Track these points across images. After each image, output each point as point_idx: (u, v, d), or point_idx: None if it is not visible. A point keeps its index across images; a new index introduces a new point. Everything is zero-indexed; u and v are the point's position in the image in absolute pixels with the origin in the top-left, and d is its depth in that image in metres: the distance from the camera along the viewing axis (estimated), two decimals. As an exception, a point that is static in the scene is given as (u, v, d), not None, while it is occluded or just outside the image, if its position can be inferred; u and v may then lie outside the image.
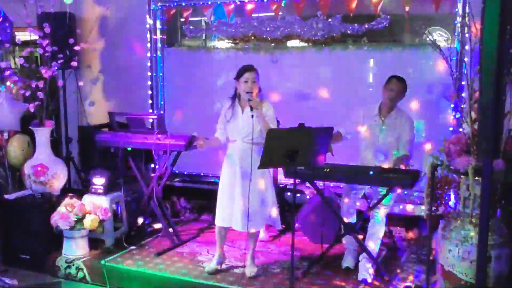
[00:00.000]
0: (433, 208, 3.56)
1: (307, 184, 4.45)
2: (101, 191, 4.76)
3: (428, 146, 3.64)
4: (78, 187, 5.79)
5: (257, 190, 3.94)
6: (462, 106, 3.57)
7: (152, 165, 5.48)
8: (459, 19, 4.59)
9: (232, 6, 5.48)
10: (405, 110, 4.32)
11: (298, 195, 5.13)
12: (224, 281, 3.99)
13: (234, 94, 4.02)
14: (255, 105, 3.77)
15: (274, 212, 4.09)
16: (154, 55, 5.88)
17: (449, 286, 3.32)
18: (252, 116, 3.76)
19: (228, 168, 4.06)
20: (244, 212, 3.88)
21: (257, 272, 4.09)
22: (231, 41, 5.63)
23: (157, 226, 5.07)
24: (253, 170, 3.76)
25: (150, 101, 5.92)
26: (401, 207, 4.87)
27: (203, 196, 5.70)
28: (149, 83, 5.89)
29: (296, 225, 4.74)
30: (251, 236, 4.12)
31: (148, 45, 5.85)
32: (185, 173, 5.92)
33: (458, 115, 4.38)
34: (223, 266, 4.23)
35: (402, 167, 3.97)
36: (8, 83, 4.96)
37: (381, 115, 4.27)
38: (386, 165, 4.10)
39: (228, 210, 4.01)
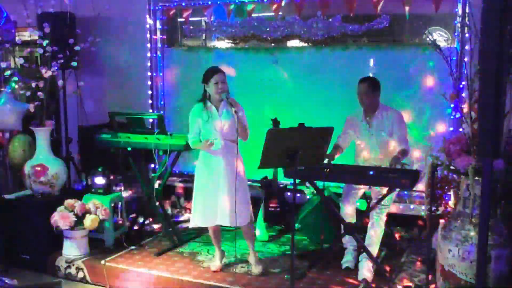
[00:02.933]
0: (433, 208, 3.56)
1: (307, 184, 4.46)
2: (101, 191, 4.77)
3: (428, 146, 3.65)
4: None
5: (241, 185, 3.97)
6: (462, 106, 3.57)
7: (152, 165, 5.48)
8: (459, 19, 4.59)
9: (232, 6, 5.48)
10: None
11: (298, 195, 5.14)
12: (224, 281, 3.99)
13: (204, 96, 4.04)
14: (234, 102, 3.88)
15: (246, 207, 4.10)
16: (154, 55, 5.88)
17: (449, 286, 3.32)
18: (236, 111, 3.82)
19: (209, 168, 4.04)
20: (232, 208, 3.90)
21: (263, 269, 4.12)
22: (231, 41, 5.63)
23: (157, 226, 5.08)
24: (234, 166, 3.87)
25: (150, 101, 5.92)
26: (401, 207, 4.87)
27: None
28: (149, 83, 5.89)
29: (297, 225, 4.75)
30: (247, 232, 4.15)
31: (148, 45, 5.85)
32: (185, 173, 5.92)
33: (458, 115, 4.38)
34: (223, 262, 4.28)
35: (399, 166, 3.97)
36: (13, 85, 4.96)
37: (366, 118, 4.26)
38: (384, 165, 4.11)
39: (213, 210, 4.00)
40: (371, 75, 4.87)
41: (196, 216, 4.10)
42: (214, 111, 4.00)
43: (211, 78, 3.93)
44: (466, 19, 4.34)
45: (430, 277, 3.65)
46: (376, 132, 4.20)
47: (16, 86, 4.95)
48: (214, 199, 4.00)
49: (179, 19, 6.04)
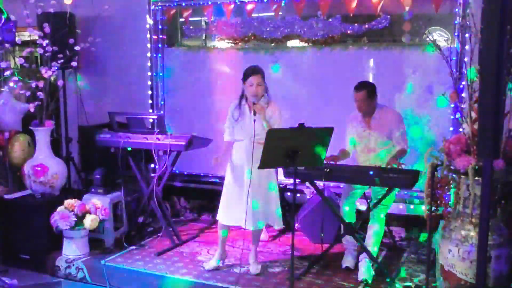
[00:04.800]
0: (433, 208, 3.56)
1: (307, 184, 4.46)
2: (101, 191, 4.77)
3: (428, 146, 3.65)
4: (78, 187, 5.79)
5: (262, 188, 3.98)
6: (462, 106, 3.57)
7: (152, 165, 5.49)
8: (459, 19, 4.59)
9: (232, 6, 5.48)
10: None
11: (298, 195, 5.14)
12: (224, 281, 3.99)
13: (242, 94, 4.06)
14: (258, 110, 3.85)
15: (277, 211, 4.12)
16: (154, 55, 5.88)
17: (449, 286, 3.32)
18: (254, 120, 3.83)
19: (234, 167, 4.08)
20: (249, 210, 3.92)
21: (261, 270, 4.13)
22: (231, 41, 5.62)
23: (157, 226, 5.09)
24: (259, 170, 3.79)
25: (150, 101, 5.92)
26: (401, 207, 4.87)
27: (203, 196, 5.71)
28: (149, 83, 5.89)
29: (297, 225, 4.74)
30: (254, 235, 4.15)
31: (148, 45, 5.84)
32: (185, 173, 5.92)
33: (458, 115, 4.38)
34: (224, 264, 4.26)
35: (395, 165, 3.97)
36: (11, 84, 4.96)
37: (365, 119, 4.26)
38: (383, 165, 4.11)
39: (233, 209, 4.03)
40: (371, 76, 4.88)
41: (221, 213, 4.13)
42: (246, 111, 4.01)
43: (247, 79, 3.94)
44: (466, 19, 4.34)
45: (430, 277, 3.64)
46: (374, 132, 4.20)
47: (15, 86, 4.95)
48: (238, 200, 4.01)
49: (179, 19, 6.04)
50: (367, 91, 4.15)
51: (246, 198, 3.91)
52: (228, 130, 4.14)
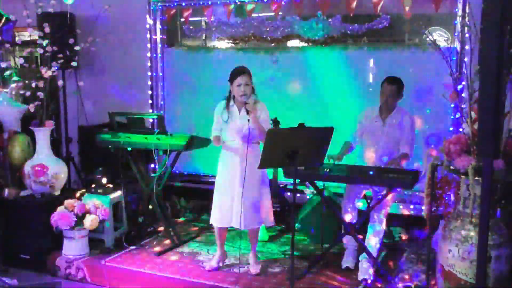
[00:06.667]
0: (433, 208, 3.56)
1: (307, 184, 4.46)
2: (101, 191, 4.77)
3: (428, 147, 3.65)
4: (78, 187, 5.79)
5: (255, 188, 3.98)
6: (462, 106, 3.57)
7: (152, 165, 5.49)
8: (459, 19, 4.59)
9: (232, 6, 5.48)
10: (407, 109, 4.33)
11: (298, 195, 5.13)
12: (224, 281, 3.99)
13: (229, 95, 4.05)
14: (250, 109, 3.83)
15: (269, 209, 4.12)
16: (154, 55, 5.88)
17: (449, 286, 3.32)
18: (248, 120, 3.82)
19: (227, 168, 4.07)
20: (244, 210, 3.92)
21: (261, 270, 4.13)
22: (231, 41, 5.63)
23: (157, 226, 5.09)
24: (252, 169, 3.81)
25: (150, 101, 5.92)
26: (401, 207, 4.87)
27: (203, 196, 5.70)
28: (149, 83, 5.89)
29: (297, 225, 4.75)
30: (252, 235, 4.15)
31: (148, 45, 5.85)
32: (185, 173, 5.92)
33: (458, 115, 4.38)
34: (224, 264, 4.27)
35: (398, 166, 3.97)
36: (13, 85, 4.95)
37: (381, 115, 4.27)
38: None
39: (227, 210, 4.02)
40: (371, 76, 4.88)
41: (214, 215, 4.13)
42: (235, 111, 4.00)
43: (234, 79, 3.93)
44: (466, 19, 4.34)
45: (430, 277, 3.64)
46: (388, 131, 4.21)
47: (14, 85, 4.95)
48: (230, 200, 4.01)
49: (179, 19, 6.04)
50: (398, 87, 4.18)
51: (240, 198, 3.91)
52: (216, 132, 4.09)
